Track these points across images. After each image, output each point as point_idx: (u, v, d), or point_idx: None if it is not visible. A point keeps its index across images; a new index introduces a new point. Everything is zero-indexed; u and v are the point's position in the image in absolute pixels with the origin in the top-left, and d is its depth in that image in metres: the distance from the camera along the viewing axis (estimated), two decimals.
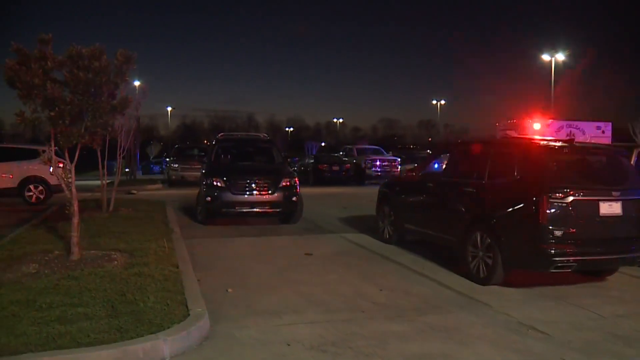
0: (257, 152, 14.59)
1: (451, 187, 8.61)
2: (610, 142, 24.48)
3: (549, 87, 37.21)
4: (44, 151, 7.63)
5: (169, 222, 11.55)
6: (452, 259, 8.47)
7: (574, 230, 6.80)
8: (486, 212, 7.62)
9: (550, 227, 6.72)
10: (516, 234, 7.07)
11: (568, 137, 23.92)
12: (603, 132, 24.40)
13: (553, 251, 6.70)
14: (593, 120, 25.46)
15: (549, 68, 37.19)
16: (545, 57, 37.64)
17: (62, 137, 7.16)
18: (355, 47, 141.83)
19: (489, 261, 7.28)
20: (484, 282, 7.35)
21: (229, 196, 11.93)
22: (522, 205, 7.04)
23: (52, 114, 7.00)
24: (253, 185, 12.05)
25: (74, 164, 7.59)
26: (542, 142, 7.65)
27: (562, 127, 24.05)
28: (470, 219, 7.87)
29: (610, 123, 24.94)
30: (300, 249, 9.73)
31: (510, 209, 7.20)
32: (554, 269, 6.83)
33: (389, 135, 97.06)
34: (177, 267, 7.28)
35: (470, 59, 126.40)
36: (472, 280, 7.52)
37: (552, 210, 6.74)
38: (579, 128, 24.29)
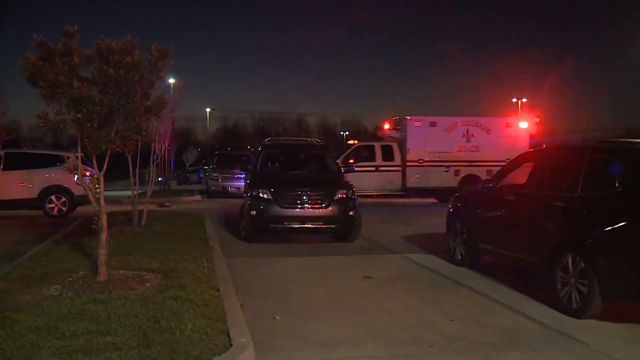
0: (308, 160, 14.64)
1: (535, 201, 8.40)
2: (528, 142, 23.64)
3: None
4: (69, 157, 7.77)
5: (209, 239, 11.67)
6: (537, 286, 8.26)
7: None
8: (579, 231, 7.37)
9: None
10: (618, 257, 6.80)
11: (465, 137, 23.21)
12: (515, 130, 23.71)
13: None
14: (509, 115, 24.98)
15: None
16: None
17: (89, 142, 7.28)
18: (421, 39, 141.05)
19: (583, 289, 7.01)
20: (576, 314, 7.09)
21: (277, 210, 11.97)
22: (625, 222, 6.77)
23: (79, 116, 7.11)
24: (304, 197, 12.06)
25: (102, 172, 7.72)
26: None
27: (455, 125, 23.31)
28: (560, 239, 7.63)
29: (527, 119, 24.19)
30: (358, 271, 9.67)
31: (610, 227, 6.93)
32: None
33: None
34: (218, 291, 7.31)
35: (555, 52, 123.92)
36: (562, 312, 7.27)
37: None
38: (480, 126, 23.44)
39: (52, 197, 17.46)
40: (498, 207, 9.34)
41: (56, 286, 7.16)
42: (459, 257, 10.25)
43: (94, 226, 7.77)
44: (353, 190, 12.53)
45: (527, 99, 64.63)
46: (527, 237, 8.43)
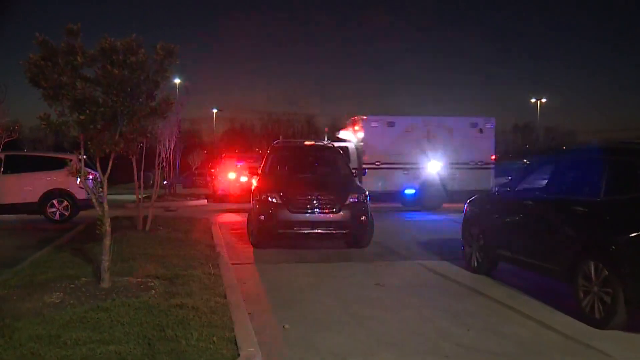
0: (319, 162, 14.63)
1: (555, 206, 8.36)
2: (492, 144, 23.07)
3: None
4: (71, 160, 7.79)
5: (216, 245, 11.70)
6: (558, 294, 8.22)
7: None
8: (602, 237, 7.30)
9: None
10: None
11: (426, 138, 22.57)
12: (481, 130, 23.02)
13: None
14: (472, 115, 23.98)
15: None
16: None
17: (93, 144, 7.29)
18: (434, 40, 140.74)
19: (607, 299, 6.95)
20: (600, 324, 7.02)
21: (287, 214, 11.97)
22: None
23: (82, 117, 7.13)
24: (315, 201, 12.05)
25: (106, 176, 7.75)
26: None
27: (415, 126, 22.67)
28: (581, 245, 7.57)
29: (493, 119, 23.53)
30: (371, 278, 9.65)
31: (635, 233, 6.85)
32: None
33: None
34: (225, 298, 7.32)
35: (574, 50, 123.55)
36: (584, 322, 7.20)
37: None
38: (442, 126, 22.82)
39: (54, 201, 17.45)
40: (516, 212, 9.28)
41: (58, 293, 7.18)
42: (476, 264, 10.20)
43: (97, 231, 7.80)
44: (365, 194, 12.50)
45: (546, 99, 64.56)
46: (546, 243, 8.37)
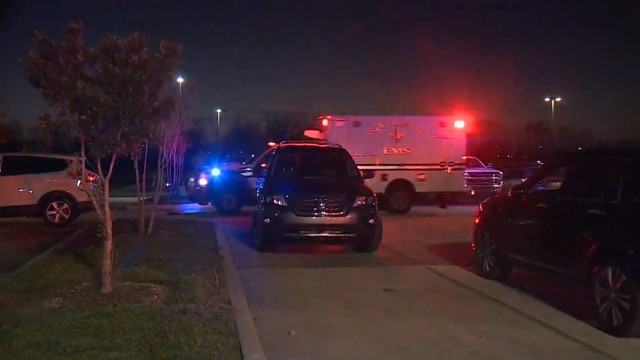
0: (325, 164, 14.58)
1: (571, 209, 8.32)
2: (463, 144, 22.45)
3: None
4: (71, 161, 7.79)
5: (219, 249, 11.69)
6: (574, 301, 8.17)
7: None
8: (620, 241, 7.25)
9: None
10: None
11: (393, 138, 21.93)
12: (452, 130, 22.34)
13: None
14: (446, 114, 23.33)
15: None
16: None
17: (94, 145, 7.31)
18: (443, 36, 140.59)
19: (625, 305, 6.88)
20: (618, 332, 6.96)
21: (292, 218, 11.93)
22: None
23: (83, 117, 7.15)
24: (321, 204, 12.01)
25: (107, 178, 7.74)
26: None
27: (381, 126, 22.05)
28: (598, 250, 7.51)
29: (466, 118, 22.98)
30: (379, 283, 9.62)
31: None
32: None
33: (487, 142, 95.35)
34: (229, 304, 7.31)
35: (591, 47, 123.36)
36: (601, 330, 7.16)
37: None
38: (410, 125, 22.17)
39: (54, 204, 17.32)
40: (530, 215, 9.23)
41: (57, 298, 7.18)
42: (488, 269, 10.15)
43: (98, 235, 7.82)
44: (374, 197, 12.45)
45: (560, 98, 64.43)
46: (562, 247, 8.32)
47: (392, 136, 22.00)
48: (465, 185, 24.04)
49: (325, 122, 22.32)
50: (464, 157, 22.71)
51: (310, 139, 21.96)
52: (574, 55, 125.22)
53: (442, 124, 22.53)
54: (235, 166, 22.41)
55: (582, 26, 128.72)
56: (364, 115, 23.17)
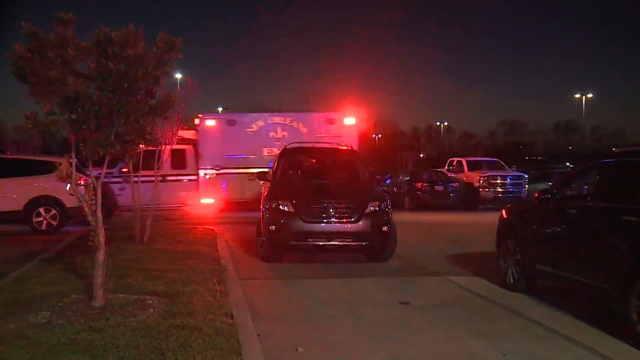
0: (335, 167, 14.60)
1: (604, 215, 8.29)
2: (355, 142, 21.16)
3: None
4: (61, 164, 7.76)
5: (221, 258, 11.71)
6: (607, 316, 8.12)
7: None
8: None
9: None
10: None
11: (274, 137, 21.38)
12: (341, 127, 21.81)
13: None
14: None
15: None
16: None
17: (85, 146, 7.30)
18: (464, 32, 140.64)
19: None
20: None
21: (300, 224, 11.94)
22: None
23: (74, 116, 7.14)
24: (331, 210, 12.01)
25: (100, 181, 7.75)
26: None
27: (261, 123, 21.67)
28: (635, 260, 7.47)
29: (357, 114, 22.55)
30: (393, 295, 9.60)
31: None
32: None
33: (512, 143, 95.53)
34: (232, 318, 7.30)
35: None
36: (637, 348, 7.11)
37: None
38: (294, 123, 21.74)
39: (41, 210, 17.36)
40: (558, 222, 9.22)
41: (45, 312, 7.17)
42: (512, 280, 10.12)
43: (89, 243, 7.80)
44: (387, 202, 12.42)
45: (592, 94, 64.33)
46: (593, 257, 8.28)
47: (273, 135, 21.61)
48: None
49: (197, 121, 21.81)
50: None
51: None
52: (609, 50, 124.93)
53: (331, 121, 22.12)
54: None
55: (615, 20, 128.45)
56: (242, 112, 22.98)
